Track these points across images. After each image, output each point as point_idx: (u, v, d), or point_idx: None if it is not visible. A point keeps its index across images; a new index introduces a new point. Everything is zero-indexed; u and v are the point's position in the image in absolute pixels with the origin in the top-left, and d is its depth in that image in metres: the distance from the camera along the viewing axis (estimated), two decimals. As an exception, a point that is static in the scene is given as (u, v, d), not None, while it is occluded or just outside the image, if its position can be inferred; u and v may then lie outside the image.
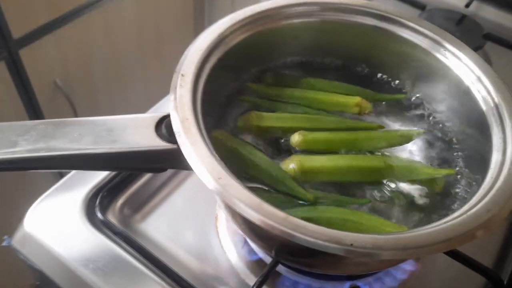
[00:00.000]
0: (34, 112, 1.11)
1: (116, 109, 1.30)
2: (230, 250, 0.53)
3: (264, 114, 0.49)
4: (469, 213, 0.36)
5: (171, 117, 0.39)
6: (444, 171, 0.45)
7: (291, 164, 0.45)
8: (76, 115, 1.17)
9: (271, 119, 0.49)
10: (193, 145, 0.37)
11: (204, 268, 0.52)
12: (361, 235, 0.33)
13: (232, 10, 0.48)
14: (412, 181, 0.46)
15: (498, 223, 0.36)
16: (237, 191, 0.35)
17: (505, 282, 0.49)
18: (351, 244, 0.33)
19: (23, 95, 1.06)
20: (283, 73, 0.54)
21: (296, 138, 0.47)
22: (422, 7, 0.82)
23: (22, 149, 0.37)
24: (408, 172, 0.45)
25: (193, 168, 0.36)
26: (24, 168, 0.38)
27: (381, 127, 0.50)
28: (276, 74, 0.54)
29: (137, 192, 0.57)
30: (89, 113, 1.23)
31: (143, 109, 0.67)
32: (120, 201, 0.56)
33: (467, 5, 0.82)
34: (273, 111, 0.51)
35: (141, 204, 0.57)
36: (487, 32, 0.78)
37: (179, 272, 0.49)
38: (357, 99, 0.52)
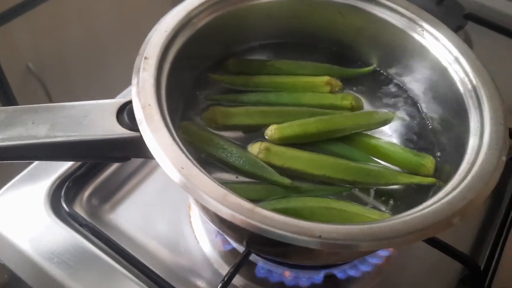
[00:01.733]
0: (7, 97, 1.07)
1: (93, 93, 1.25)
2: (204, 240, 0.52)
3: (230, 109, 0.46)
4: (444, 200, 0.34)
5: (133, 103, 0.37)
6: (424, 180, 0.43)
7: (258, 148, 0.43)
8: (51, 100, 1.14)
9: (238, 116, 0.46)
10: (154, 133, 0.35)
11: (177, 260, 0.50)
12: (332, 226, 0.32)
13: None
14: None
15: (473, 210, 0.34)
16: (201, 182, 0.33)
17: (481, 268, 0.49)
18: (319, 236, 0.31)
19: (-6, 81, 1.02)
20: (246, 59, 0.52)
21: (271, 131, 0.45)
22: (402, -13, 0.80)
23: (-30, 139, 0.35)
24: (382, 179, 0.43)
25: (154, 157, 0.34)
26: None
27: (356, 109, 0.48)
28: (238, 61, 0.51)
29: (106, 181, 0.55)
30: (64, 97, 1.19)
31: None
32: (87, 191, 0.53)
33: (448, -15, 0.80)
34: (241, 103, 0.48)
35: (110, 193, 0.54)
36: (468, 12, 0.76)
37: (149, 264, 0.47)
38: (325, 78, 0.50)
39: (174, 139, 0.35)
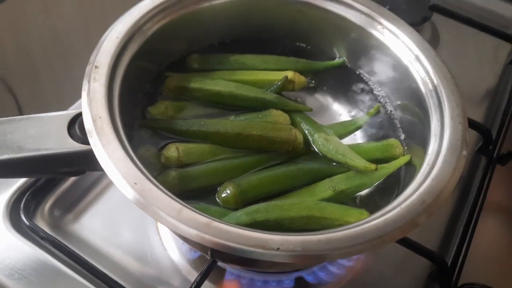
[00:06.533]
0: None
1: (63, 94, 1.22)
2: (171, 247, 0.50)
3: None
4: (403, 205, 0.34)
5: (83, 115, 0.35)
6: (401, 161, 0.43)
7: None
8: (17, 102, 1.10)
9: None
10: (106, 147, 0.33)
11: (145, 269, 0.49)
12: (291, 237, 0.31)
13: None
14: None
15: (433, 212, 0.34)
16: (155, 197, 0.32)
17: (449, 264, 0.49)
18: (278, 248, 0.30)
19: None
20: (208, 55, 0.50)
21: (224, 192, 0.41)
22: (368, -22, 0.79)
23: None
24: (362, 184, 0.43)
25: (106, 172, 0.33)
26: None
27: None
28: (201, 56, 0.50)
29: (68, 191, 0.53)
30: (30, 98, 1.16)
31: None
32: (49, 203, 0.51)
33: (414, -24, 0.80)
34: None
35: (72, 203, 0.52)
36: (433, 4, 0.76)
37: (116, 277, 0.46)
38: (289, 74, 0.48)
39: (127, 153, 0.34)
